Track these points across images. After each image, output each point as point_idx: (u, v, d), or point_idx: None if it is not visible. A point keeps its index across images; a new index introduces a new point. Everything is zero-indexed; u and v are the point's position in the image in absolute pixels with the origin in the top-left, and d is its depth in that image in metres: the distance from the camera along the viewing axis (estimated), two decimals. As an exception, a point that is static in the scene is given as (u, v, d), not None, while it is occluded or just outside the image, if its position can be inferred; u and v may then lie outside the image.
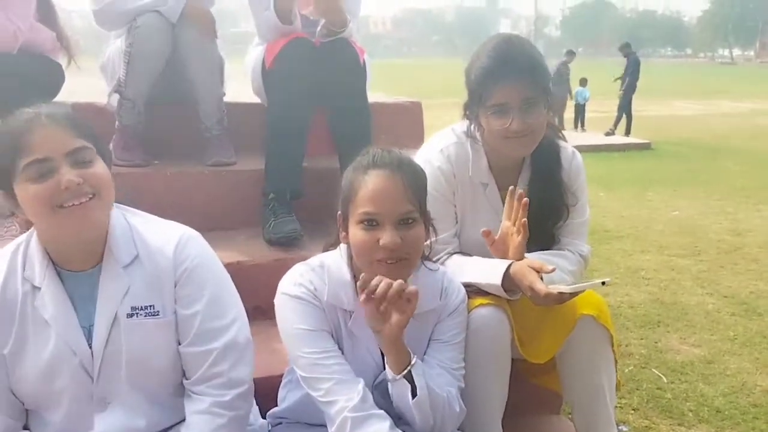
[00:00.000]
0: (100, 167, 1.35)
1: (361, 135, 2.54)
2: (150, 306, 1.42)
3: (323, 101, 2.58)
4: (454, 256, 1.85)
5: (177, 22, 2.51)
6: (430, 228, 1.55)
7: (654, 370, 2.90)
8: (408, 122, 3.29)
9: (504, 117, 1.71)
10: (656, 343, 3.20)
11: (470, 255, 1.84)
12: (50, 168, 1.28)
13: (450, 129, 1.93)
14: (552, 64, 14.74)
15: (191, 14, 2.52)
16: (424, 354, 1.57)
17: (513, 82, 1.69)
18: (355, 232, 1.44)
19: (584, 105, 14.22)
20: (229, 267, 1.73)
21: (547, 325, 1.75)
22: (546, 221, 1.85)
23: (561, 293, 1.54)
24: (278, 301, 1.52)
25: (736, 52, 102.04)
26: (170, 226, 1.52)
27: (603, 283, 1.49)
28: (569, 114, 14.43)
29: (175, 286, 1.44)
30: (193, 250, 1.48)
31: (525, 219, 1.66)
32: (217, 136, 2.74)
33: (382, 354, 1.51)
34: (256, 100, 2.86)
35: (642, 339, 3.25)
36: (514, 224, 1.69)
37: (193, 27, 2.53)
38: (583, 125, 14.19)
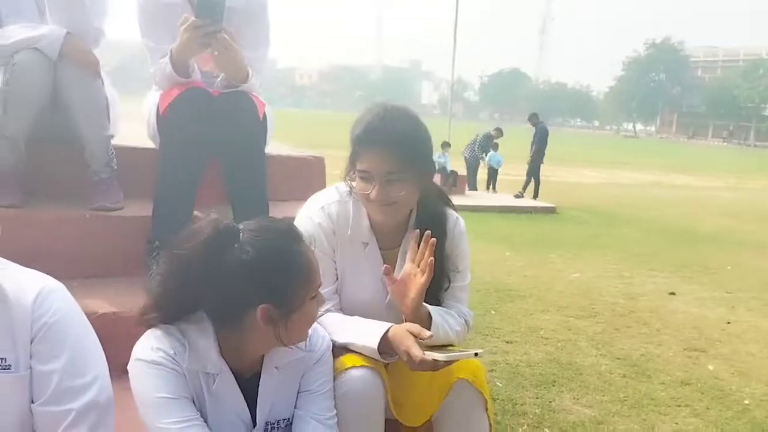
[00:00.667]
0: None
1: (255, 188, 2.49)
2: (1, 359, 1.30)
3: (217, 152, 2.51)
4: (335, 314, 1.81)
5: (58, 60, 2.39)
6: None
7: (546, 430, 2.91)
8: (310, 176, 3.25)
9: (367, 183, 1.73)
10: (550, 402, 3.23)
11: (350, 315, 1.80)
12: None
13: (334, 187, 1.92)
14: (472, 127, 15.39)
15: (70, 53, 2.40)
16: (295, 407, 1.51)
17: (377, 153, 1.70)
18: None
19: (497, 169, 14.87)
20: (103, 318, 1.62)
21: (423, 388, 1.72)
22: (428, 288, 1.84)
23: (436, 361, 1.54)
24: (133, 368, 1.40)
25: (639, 126, 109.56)
26: (31, 276, 1.40)
27: (476, 354, 1.54)
28: (483, 176, 15.13)
29: (32, 341, 1.32)
30: (54, 303, 1.36)
31: (432, 258, 1.65)
32: (105, 179, 2.60)
33: (252, 412, 1.45)
34: (152, 144, 2.75)
35: (537, 398, 3.27)
36: (418, 265, 1.68)
37: (75, 65, 2.42)
38: (494, 187, 14.86)
